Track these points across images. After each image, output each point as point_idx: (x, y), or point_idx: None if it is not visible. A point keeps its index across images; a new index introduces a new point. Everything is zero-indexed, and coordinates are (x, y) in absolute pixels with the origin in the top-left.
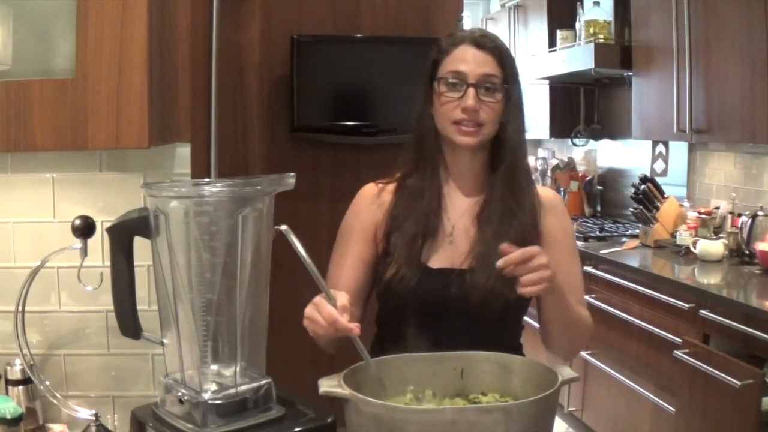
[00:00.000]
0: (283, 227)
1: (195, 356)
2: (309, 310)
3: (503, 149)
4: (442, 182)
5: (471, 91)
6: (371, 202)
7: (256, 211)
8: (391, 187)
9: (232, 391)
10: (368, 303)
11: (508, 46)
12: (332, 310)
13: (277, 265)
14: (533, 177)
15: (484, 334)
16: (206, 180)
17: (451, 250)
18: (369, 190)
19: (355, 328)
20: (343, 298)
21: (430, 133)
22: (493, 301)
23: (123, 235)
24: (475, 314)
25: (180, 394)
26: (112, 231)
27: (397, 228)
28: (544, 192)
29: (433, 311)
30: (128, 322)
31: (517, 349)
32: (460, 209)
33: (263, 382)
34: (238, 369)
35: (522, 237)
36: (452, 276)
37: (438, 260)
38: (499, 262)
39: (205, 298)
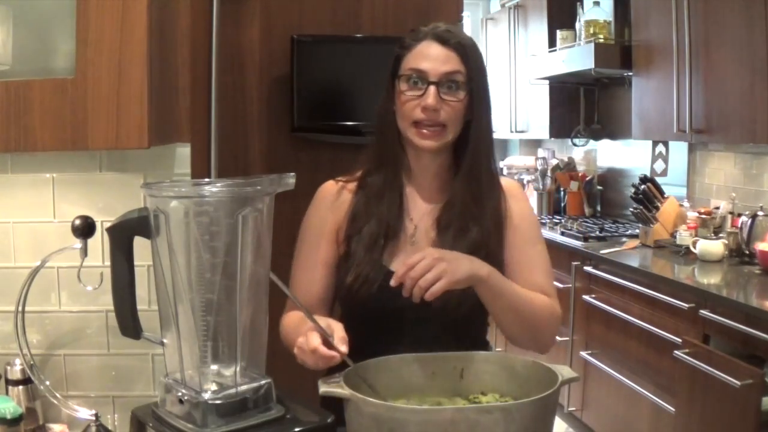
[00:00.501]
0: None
1: (195, 356)
2: (300, 341)
3: (466, 151)
4: (404, 182)
5: (432, 89)
6: (331, 201)
7: (256, 211)
8: (352, 185)
9: (232, 391)
10: (335, 305)
11: (471, 40)
12: (317, 346)
13: (277, 265)
14: (533, 175)
15: (446, 336)
16: (206, 180)
17: (413, 253)
18: (328, 188)
19: (337, 356)
20: (339, 330)
21: (391, 132)
22: (452, 308)
23: (123, 235)
24: (436, 319)
25: (180, 394)
26: (112, 231)
27: (357, 230)
28: (506, 182)
29: (395, 315)
30: (128, 322)
31: (484, 348)
32: (422, 210)
33: (263, 382)
34: (238, 369)
35: (482, 242)
36: None
37: (400, 263)
38: (391, 282)
39: (205, 298)
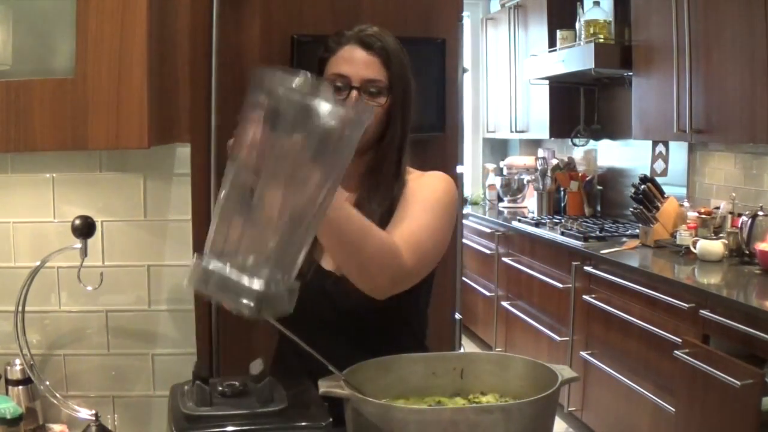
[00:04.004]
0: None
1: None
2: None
3: (378, 153)
4: None
5: (353, 94)
6: None
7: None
8: None
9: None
10: None
11: (397, 44)
12: None
13: None
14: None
15: (379, 333)
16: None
17: None
18: None
19: None
20: None
21: None
22: (357, 310)
23: None
24: (364, 312)
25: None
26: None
27: None
28: (428, 174)
29: (327, 311)
30: None
31: (422, 348)
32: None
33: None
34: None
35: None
36: (331, 280)
37: (329, 260)
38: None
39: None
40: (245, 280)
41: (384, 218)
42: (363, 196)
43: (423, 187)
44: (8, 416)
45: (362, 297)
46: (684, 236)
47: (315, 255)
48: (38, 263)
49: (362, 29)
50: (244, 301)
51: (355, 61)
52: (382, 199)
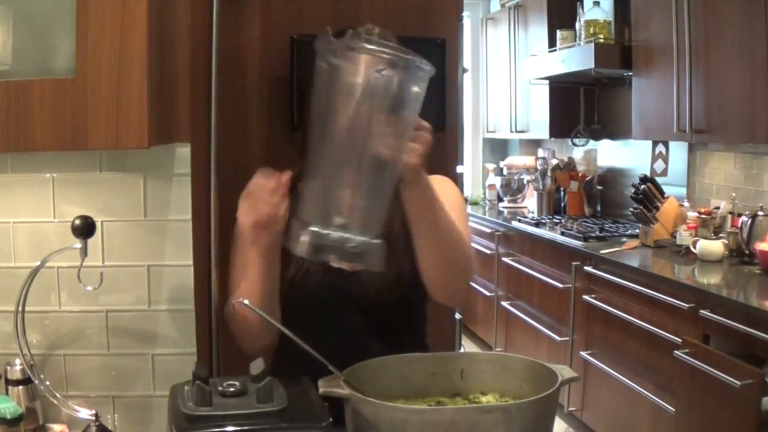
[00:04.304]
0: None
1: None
2: (244, 203)
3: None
4: None
5: None
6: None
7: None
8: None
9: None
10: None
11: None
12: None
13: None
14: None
15: (382, 331)
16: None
17: None
18: None
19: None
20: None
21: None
22: (386, 299)
23: None
24: (371, 313)
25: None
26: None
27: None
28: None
29: (335, 309)
30: None
31: (423, 346)
32: None
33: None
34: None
35: (401, 229)
36: (348, 274)
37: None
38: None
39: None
40: (348, 237)
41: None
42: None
43: (449, 196)
44: (8, 416)
45: (372, 293)
46: (684, 236)
47: None
48: (38, 263)
49: (368, 33)
50: (351, 251)
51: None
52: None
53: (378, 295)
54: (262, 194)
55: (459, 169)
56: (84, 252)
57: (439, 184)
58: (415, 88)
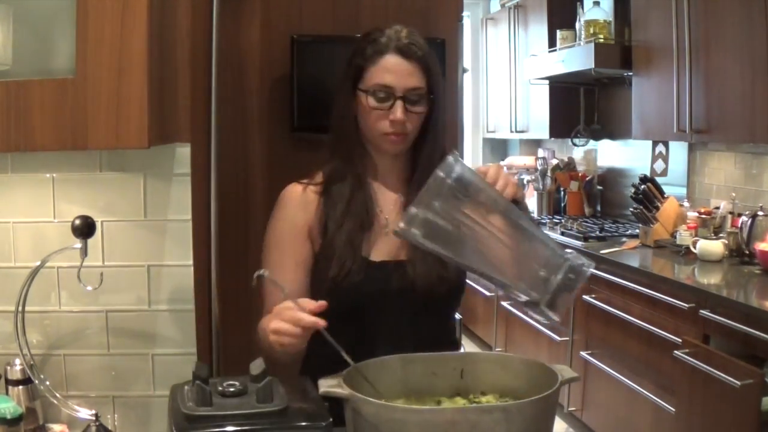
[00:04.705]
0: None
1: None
2: (273, 325)
3: (422, 154)
4: (371, 179)
5: (399, 104)
6: (299, 202)
7: None
8: (316, 186)
9: None
10: None
11: (430, 49)
12: (294, 312)
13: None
14: (533, 175)
15: (423, 326)
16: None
17: (388, 243)
18: (294, 190)
19: (320, 321)
20: (309, 302)
21: (354, 136)
22: (436, 288)
23: None
24: (417, 305)
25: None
26: None
27: (336, 226)
28: None
29: (378, 305)
30: None
31: (454, 345)
32: (390, 201)
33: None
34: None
35: None
36: (392, 268)
37: (378, 253)
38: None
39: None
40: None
41: None
42: (412, 199)
43: None
44: (8, 416)
45: (420, 284)
46: (684, 236)
47: (363, 251)
48: (38, 263)
49: (399, 37)
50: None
51: (398, 72)
52: None
53: (426, 290)
54: (285, 337)
55: None
56: (84, 252)
57: None
58: None
